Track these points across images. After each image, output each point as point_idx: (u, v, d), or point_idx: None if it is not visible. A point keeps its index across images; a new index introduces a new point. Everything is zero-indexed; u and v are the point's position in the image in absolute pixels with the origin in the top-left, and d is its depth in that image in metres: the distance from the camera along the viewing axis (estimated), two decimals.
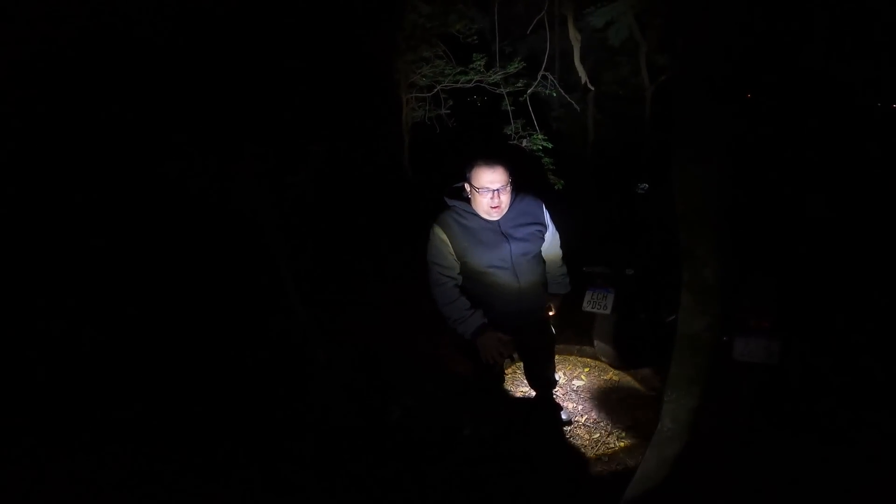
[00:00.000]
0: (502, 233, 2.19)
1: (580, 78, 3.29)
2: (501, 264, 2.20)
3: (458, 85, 3.63)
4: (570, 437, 2.90)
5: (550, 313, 2.63)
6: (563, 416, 2.97)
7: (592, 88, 3.30)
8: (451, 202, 2.22)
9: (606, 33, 3.81)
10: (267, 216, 2.17)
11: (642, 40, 3.97)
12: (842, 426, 2.52)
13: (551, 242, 2.39)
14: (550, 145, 3.77)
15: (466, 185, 2.14)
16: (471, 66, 3.46)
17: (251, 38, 1.99)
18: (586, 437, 2.91)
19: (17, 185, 2.19)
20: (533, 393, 3.01)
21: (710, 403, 1.66)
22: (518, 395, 3.17)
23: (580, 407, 3.10)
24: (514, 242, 2.19)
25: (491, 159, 2.06)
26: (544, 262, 2.44)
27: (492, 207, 2.10)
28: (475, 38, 3.36)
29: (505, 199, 2.10)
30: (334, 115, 2.45)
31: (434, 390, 2.75)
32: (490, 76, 3.40)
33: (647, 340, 3.63)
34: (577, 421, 3.02)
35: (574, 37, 3.13)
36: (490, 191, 2.06)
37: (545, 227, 2.30)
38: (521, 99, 3.47)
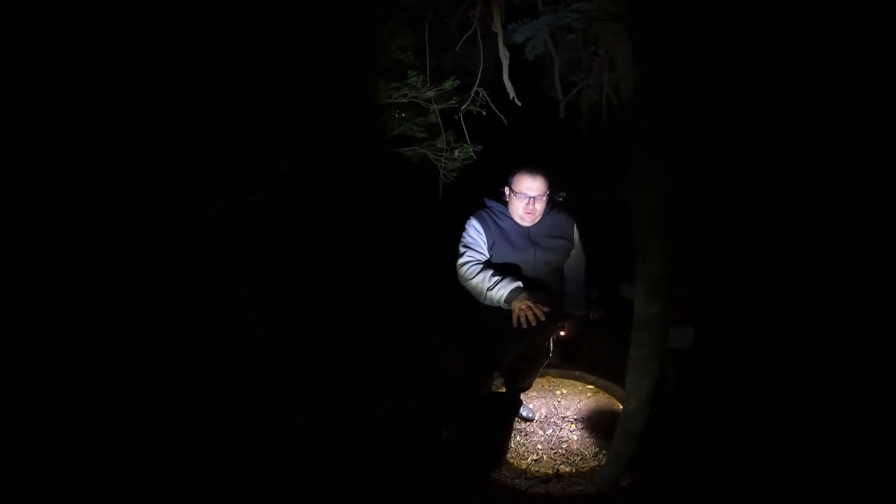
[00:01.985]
0: (531, 239, 2.36)
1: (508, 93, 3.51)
2: (523, 267, 2.36)
3: (392, 101, 3.70)
4: (528, 432, 3.11)
5: (562, 333, 2.78)
6: (526, 413, 3.19)
7: (520, 103, 3.54)
8: (488, 202, 2.38)
9: (524, 49, 4.11)
10: (224, 237, 2.10)
11: (556, 56, 4.31)
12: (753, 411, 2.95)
13: (576, 260, 2.58)
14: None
15: (506, 189, 2.29)
16: (405, 82, 3.55)
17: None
18: (541, 432, 3.14)
19: None
20: (502, 391, 3.19)
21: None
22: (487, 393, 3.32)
23: (531, 405, 3.33)
24: (540, 250, 2.38)
25: (535, 168, 2.23)
26: (565, 278, 2.60)
27: (525, 213, 2.27)
28: (410, 54, 3.46)
29: (539, 207, 2.28)
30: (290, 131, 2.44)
31: (403, 402, 2.81)
32: (424, 92, 3.51)
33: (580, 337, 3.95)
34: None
35: (503, 54, 3.35)
36: (528, 197, 2.23)
37: (573, 243, 2.49)
38: (455, 117, 3.63)
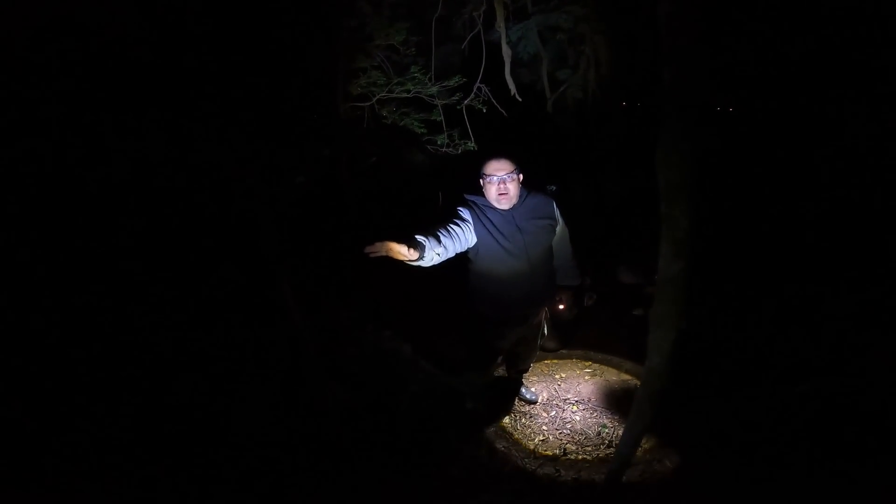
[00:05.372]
0: (516, 224, 2.48)
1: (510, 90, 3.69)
2: (516, 251, 2.49)
3: (395, 95, 3.83)
4: (533, 415, 3.27)
5: (560, 307, 2.93)
6: (529, 396, 3.35)
7: (521, 99, 3.70)
8: (469, 197, 2.50)
9: (517, 48, 4.32)
10: (268, 218, 2.17)
11: (544, 54, 4.54)
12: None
13: (561, 236, 2.74)
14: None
15: (481, 180, 2.42)
16: (407, 76, 3.68)
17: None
18: (544, 414, 3.30)
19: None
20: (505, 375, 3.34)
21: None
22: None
23: (533, 388, 3.48)
24: (527, 234, 2.51)
25: (499, 153, 2.37)
26: (553, 254, 2.75)
27: (499, 195, 2.42)
28: (413, 50, 3.59)
29: (512, 188, 2.43)
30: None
31: (428, 381, 2.91)
32: (428, 87, 3.64)
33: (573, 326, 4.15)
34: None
35: (505, 52, 3.51)
36: (497, 178, 2.35)
37: (556, 221, 2.66)
38: (458, 108, 3.77)
